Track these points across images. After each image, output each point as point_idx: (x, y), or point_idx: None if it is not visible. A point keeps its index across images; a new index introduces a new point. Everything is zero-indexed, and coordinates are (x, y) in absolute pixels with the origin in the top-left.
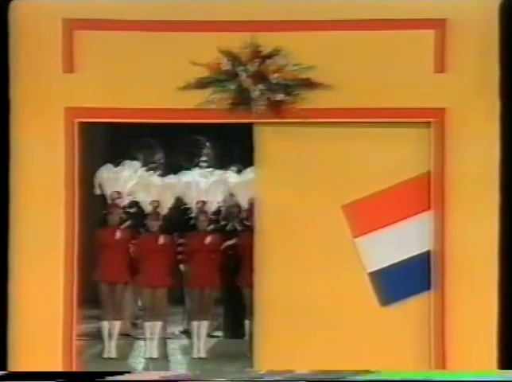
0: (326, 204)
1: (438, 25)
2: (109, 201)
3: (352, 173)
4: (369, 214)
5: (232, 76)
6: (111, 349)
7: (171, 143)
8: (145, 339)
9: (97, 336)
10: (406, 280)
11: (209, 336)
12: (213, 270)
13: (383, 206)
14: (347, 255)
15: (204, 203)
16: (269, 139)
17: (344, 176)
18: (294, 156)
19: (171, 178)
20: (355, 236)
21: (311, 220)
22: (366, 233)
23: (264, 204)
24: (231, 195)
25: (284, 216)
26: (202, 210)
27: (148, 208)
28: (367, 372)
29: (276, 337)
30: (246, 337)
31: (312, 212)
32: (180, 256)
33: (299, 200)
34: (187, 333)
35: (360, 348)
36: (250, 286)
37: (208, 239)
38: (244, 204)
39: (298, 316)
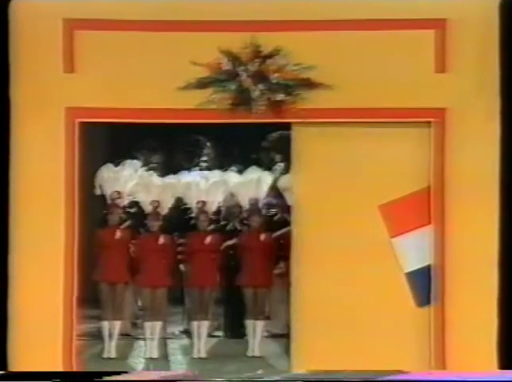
0: (363, 204)
1: (438, 25)
2: (109, 201)
3: (390, 173)
4: (406, 214)
5: (232, 75)
6: (111, 349)
7: (171, 143)
8: (145, 339)
9: (97, 336)
10: None
11: (209, 336)
12: (213, 270)
13: (420, 206)
14: (383, 255)
15: (204, 203)
16: (307, 139)
17: (382, 175)
18: (332, 156)
19: (171, 178)
20: (392, 236)
21: (348, 219)
22: (403, 233)
23: (301, 204)
24: (232, 195)
25: (321, 216)
26: (202, 210)
27: (148, 208)
28: (399, 371)
29: (312, 336)
30: (247, 337)
31: (348, 212)
32: (180, 256)
33: (336, 199)
34: (187, 333)
35: (396, 348)
36: (250, 285)
37: (208, 239)
38: (245, 204)
39: (334, 315)
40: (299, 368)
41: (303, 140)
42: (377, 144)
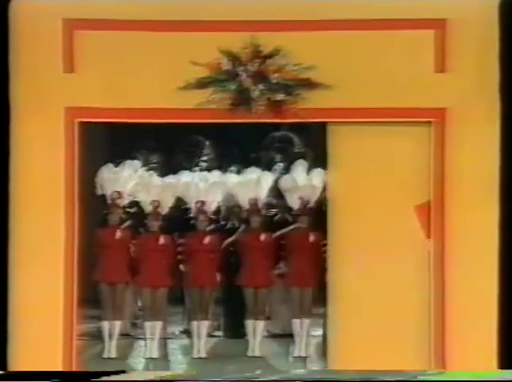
0: (399, 205)
1: (438, 25)
2: (109, 201)
3: (427, 174)
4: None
5: (232, 75)
6: (111, 349)
7: (171, 143)
8: (145, 339)
9: (97, 336)
10: None
11: (209, 336)
12: (212, 270)
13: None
14: (420, 255)
15: (203, 203)
16: (342, 138)
17: (418, 176)
18: (367, 155)
19: (171, 178)
20: (429, 237)
21: (384, 220)
22: None
23: (336, 204)
24: (232, 195)
25: (356, 216)
26: (201, 210)
27: (148, 208)
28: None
29: (348, 336)
30: (247, 337)
31: (384, 213)
32: (179, 256)
33: (370, 198)
34: (187, 333)
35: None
36: (251, 285)
37: (207, 239)
38: (245, 204)
39: (369, 315)
40: (335, 368)
41: (337, 138)
42: (413, 144)
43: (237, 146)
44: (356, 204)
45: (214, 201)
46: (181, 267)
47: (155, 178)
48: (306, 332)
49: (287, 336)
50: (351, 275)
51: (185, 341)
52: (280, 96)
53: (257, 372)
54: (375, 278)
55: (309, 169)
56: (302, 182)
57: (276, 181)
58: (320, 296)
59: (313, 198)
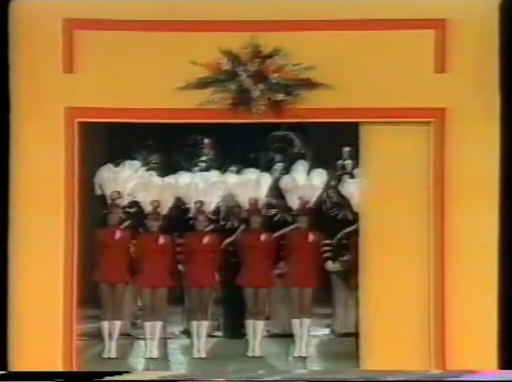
0: (429, 204)
1: (438, 25)
2: (109, 201)
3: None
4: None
5: (232, 75)
6: (111, 349)
7: (171, 143)
8: (145, 339)
9: (97, 336)
10: None
11: (209, 336)
12: (212, 270)
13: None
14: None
15: (202, 203)
16: (374, 138)
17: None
18: (398, 155)
19: (171, 178)
20: None
21: (415, 219)
22: None
23: (368, 203)
24: (231, 195)
25: (388, 216)
26: (200, 210)
27: (148, 208)
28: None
29: (379, 336)
30: (247, 337)
31: (416, 212)
32: (179, 256)
33: (403, 199)
34: (187, 333)
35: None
36: (251, 285)
37: (206, 239)
38: (245, 204)
39: (401, 315)
40: (368, 368)
41: (370, 138)
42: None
43: (237, 146)
44: (387, 207)
45: (213, 201)
46: (180, 266)
47: (155, 178)
48: (306, 332)
49: (287, 336)
50: (383, 276)
51: (185, 341)
52: (280, 96)
53: (259, 372)
54: (408, 279)
55: (309, 170)
56: (302, 182)
57: (276, 181)
58: (321, 296)
59: (313, 198)
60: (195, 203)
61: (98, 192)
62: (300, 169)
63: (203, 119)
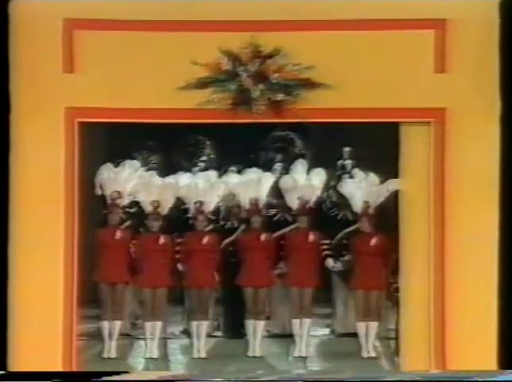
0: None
1: (438, 25)
2: (109, 201)
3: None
4: None
5: (232, 75)
6: (111, 349)
7: (171, 143)
8: (145, 339)
9: (97, 336)
10: None
11: (209, 336)
12: (211, 270)
13: None
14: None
15: (202, 203)
16: (414, 138)
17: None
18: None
19: (171, 178)
20: None
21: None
22: None
23: (409, 203)
24: (232, 195)
25: (428, 214)
26: (199, 210)
27: (148, 208)
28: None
29: (418, 338)
30: (247, 337)
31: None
32: (179, 256)
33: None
34: (187, 333)
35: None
36: (251, 285)
37: (206, 239)
38: (245, 204)
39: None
40: (408, 368)
41: (411, 139)
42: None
43: (237, 145)
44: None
45: (213, 201)
46: (180, 266)
47: (155, 178)
48: (306, 332)
49: (287, 336)
50: (421, 279)
51: (185, 341)
52: (280, 96)
53: (259, 372)
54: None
55: (309, 169)
56: (302, 182)
57: (276, 181)
58: (321, 296)
59: (313, 198)
60: (195, 203)
61: (98, 192)
62: (300, 169)
63: (203, 119)
